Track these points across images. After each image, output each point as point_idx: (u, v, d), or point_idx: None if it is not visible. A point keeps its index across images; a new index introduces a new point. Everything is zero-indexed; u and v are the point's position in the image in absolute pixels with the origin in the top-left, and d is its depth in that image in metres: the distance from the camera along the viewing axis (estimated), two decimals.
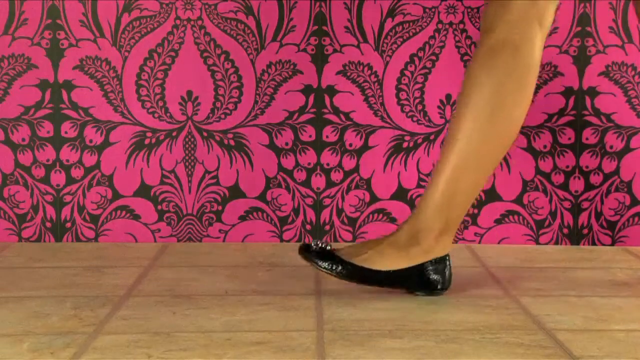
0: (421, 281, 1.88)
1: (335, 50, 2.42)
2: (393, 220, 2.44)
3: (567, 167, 2.44)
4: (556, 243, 2.45)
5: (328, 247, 1.89)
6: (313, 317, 1.74)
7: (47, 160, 2.42)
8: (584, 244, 2.45)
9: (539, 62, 1.85)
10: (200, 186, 2.44)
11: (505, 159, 2.43)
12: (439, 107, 2.43)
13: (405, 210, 2.44)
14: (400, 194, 2.44)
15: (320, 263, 1.88)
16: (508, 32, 1.82)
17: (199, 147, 2.43)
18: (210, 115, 2.42)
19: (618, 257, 2.32)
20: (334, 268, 1.88)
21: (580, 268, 2.19)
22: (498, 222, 2.46)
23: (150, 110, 2.42)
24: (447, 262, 1.89)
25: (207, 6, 2.40)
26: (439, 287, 1.89)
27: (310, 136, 2.44)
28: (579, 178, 2.44)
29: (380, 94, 2.42)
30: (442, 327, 1.68)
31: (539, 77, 2.41)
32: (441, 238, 1.88)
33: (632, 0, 1.88)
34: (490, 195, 2.45)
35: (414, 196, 2.44)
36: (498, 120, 1.83)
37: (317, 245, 1.89)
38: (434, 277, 1.89)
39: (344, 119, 2.43)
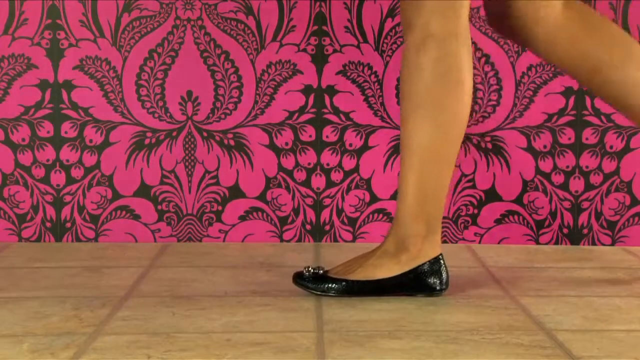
0: (419, 284, 1.89)
1: (335, 50, 2.42)
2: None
3: (567, 167, 2.44)
4: (556, 243, 2.45)
5: (320, 271, 1.91)
6: (313, 318, 1.74)
7: (47, 160, 2.42)
8: (584, 244, 2.45)
9: (467, 52, 1.84)
10: (200, 186, 2.44)
11: (505, 158, 2.43)
12: None
13: None
14: None
15: (315, 287, 1.89)
16: (426, 28, 1.82)
17: (199, 147, 2.43)
18: (210, 115, 2.42)
19: (618, 257, 2.32)
20: (329, 288, 1.89)
21: (580, 268, 2.19)
22: (498, 222, 2.45)
23: (150, 110, 2.42)
24: (442, 262, 1.89)
25: (207, 6, 2.40)
26: (437, 288, 1.89)
27: (310, 136, 2.44)
28: (579, 178, 2.44)
29: (380, 94, 2.42)
30: (441, 327, 1.68)
31: (539, 77, 2.41)
32: (428, 240, 1.88)
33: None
34: (490, 195, 2.45)
35: None
36: (440, 116, 1.83)
37: (308, 271, 1.90)
38: (432, 279, 1.89)
39: (344, 119, 2.43)
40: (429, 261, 1.88)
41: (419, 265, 1.88)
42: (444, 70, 1.82)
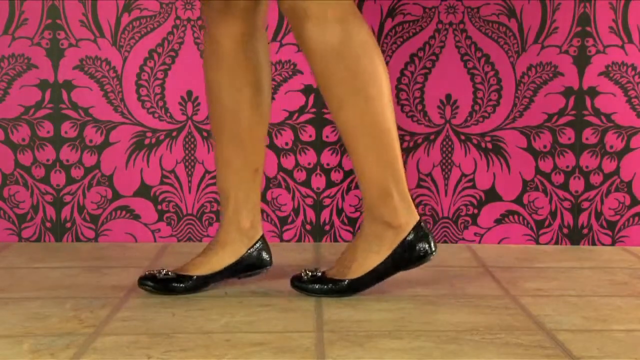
0: (411, 256, 1.89)
1: None
2: None
3: (567, 167, 2.44)
4: (556, 243, 2.45)
5: (318, 273, 1.90)
6: (313, 318, 1.74)
7: (47, 160, 2.42)
8: (584, 244, 2.45)
9: (365, 25, 1.86)
10: (200, 186, 2.44)
11: (505, 158, 2.43)
12: (438, 107, 2.43)
13: None
14: None
15: (315, 288, 1.89)
16: (324, 15, 1.83)
17: (199, 147, 2.43)
18: None
19: (618, 257, 2.32)
20: (328, 288, 1.88)
21: (580, 268, 2.19)
22: (498, 222, 2.45)
23: (150, 110, 2.42)
24: (424, 227, 1.89)
25: None
26: (428, 252, 1.89)
27: (310, 136, 2.44)
28: (579, 178, 2.44)
29: None
30: (441, 327, 1.68)
31: (539, 77, 2.41)
32: (403, 208, 1.89)
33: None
34: (490, 195, 2.45)
35: (414, 196, 2.44)
36: (371, 89, 1.85)
37: (307, 274, 1.90)
38: (420, 246, 1.89)
39: None
40: (412, 230, 1.89)
41: (405, 238, 1.89)
42: (355, 46, 1.84)
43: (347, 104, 1.85)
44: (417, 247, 1.90)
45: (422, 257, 1.90)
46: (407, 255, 1.90)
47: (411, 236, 1.89)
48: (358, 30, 1.84)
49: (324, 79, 1.86)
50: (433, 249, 1.90)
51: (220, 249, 1.96)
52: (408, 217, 1.90)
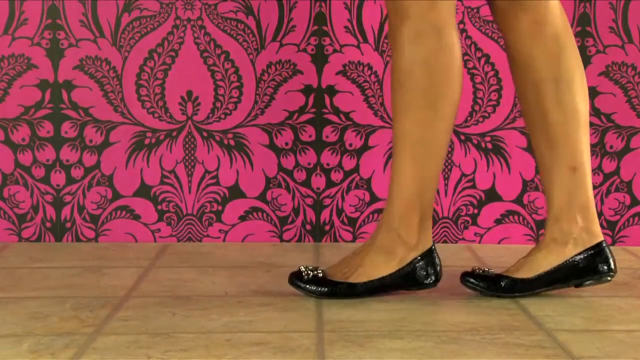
0: (414, 278, 1.88)
1: (335, 50, 2.42)
2: None
3: None
4: None
5: (320, 274, 1.89)
6: (313, 318, 1.74)
7: (47, 160, 2.42)
8: None
9: (460, 42, 1.84)
10: (200, 186, 2.44)
11: (505, 158, 2.43)
12: None
13: None
14: None
15: (314, 289, 1.88)
16: (426, 17, 1.81)
17: (199, 147, 2.43)
18: (210, 115, 2.42)
19: (618, 257, 2.31)
20: (326, 291, 1.87)
21: None
22: (498, 222, 2.45)
23: (150, 110, 2.42)
24: (435, 253, 1.89)
25: (207, 6, 2.40)
26: (431, 280, 1.88)
27: (310, 136, 2.44)
28: None
29: (380, 93, 2.42)
30: (442, 327, 1.68)
31: None
32: (422, 229, 1.88)
33: None
34: (490, 195, 2.45)
35: None
36: (445, 109, 1.83)
37: (307, 274, 1.89)
38: (425, 271, 1.88)
39: (344, 119, 2.43)
40: (423, 253, 1.88)
41: (415, 258, 1.88)
42: (444, 62, 1.82)
43: (413, 113, 1.83)
44: (423, 272, 1.89)
45: (425, 284, 1.89)
46: (412, 277, 1.89)
47: (421, 260, 1.88)
48: (453, 43, 1.82)
49: (402, 79, 1.84)
50: (438, 276, 1.90)
51: (544, 249, 1.92)
52: (423, 237, 1.88)
